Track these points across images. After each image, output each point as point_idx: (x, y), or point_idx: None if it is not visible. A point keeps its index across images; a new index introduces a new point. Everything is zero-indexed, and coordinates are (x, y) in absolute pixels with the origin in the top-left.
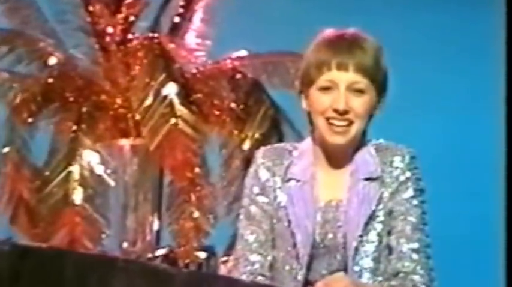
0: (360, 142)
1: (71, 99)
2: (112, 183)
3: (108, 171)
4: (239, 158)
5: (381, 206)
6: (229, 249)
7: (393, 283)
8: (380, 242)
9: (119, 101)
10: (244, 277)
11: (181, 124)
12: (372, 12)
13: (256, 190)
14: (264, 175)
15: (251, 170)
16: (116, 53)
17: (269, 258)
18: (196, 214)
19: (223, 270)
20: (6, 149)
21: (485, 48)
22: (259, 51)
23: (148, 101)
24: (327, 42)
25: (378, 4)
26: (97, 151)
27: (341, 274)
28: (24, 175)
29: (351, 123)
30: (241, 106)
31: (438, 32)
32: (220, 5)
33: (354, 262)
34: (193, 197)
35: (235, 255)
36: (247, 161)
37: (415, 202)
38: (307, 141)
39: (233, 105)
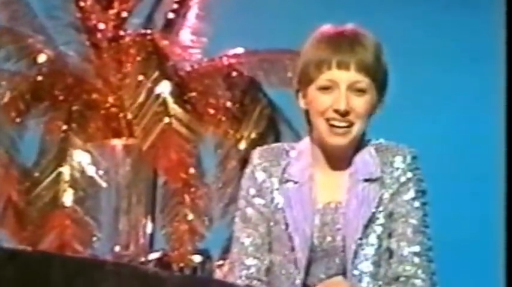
0: (359, 142)
1: (61, 97)
2: (104, 184)
3: (100, 172)
4: (235, 159)
5: (381, 208)
6: (225, 253)
7: None
8: (380, 245)
9: (110, 99)
10: (240, 282)
11: (175, 123)
12: (371, 11)
13: (252, 191)
14: (260, 176)
15: (247, 171)
16: (108, 50)
17: (266, 262)
18: (190, 216)
19: (218, 274)
20: None
21: (485, 48)
22: (256, 48)
23: (141, 100)
24: (326, 39)
25: (377, 3)
26: (88, 151)
27: (340, 278)
28: (13, 176)
29: (352, 124)
30: (237, 105)
31: (438, 31)
32: (216, 1)
33: (353, 265)
34: (187, 199)
35: (230, 259)
36: (243, 161)
37: (416, 203)
38: (305, 141)
39: (229, 104)
